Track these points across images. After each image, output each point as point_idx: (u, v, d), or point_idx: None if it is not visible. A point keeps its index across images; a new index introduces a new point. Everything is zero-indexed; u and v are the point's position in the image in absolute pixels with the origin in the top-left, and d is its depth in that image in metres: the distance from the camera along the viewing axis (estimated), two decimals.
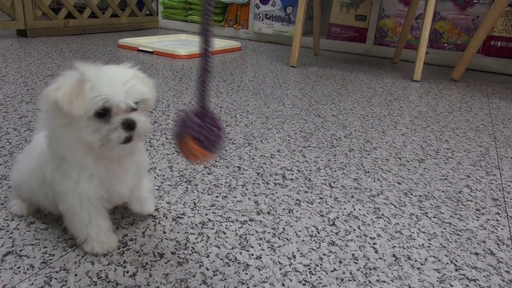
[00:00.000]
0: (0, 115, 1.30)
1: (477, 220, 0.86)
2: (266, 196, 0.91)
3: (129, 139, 0.61)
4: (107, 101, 0.57)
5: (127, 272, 0.66)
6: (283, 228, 0.79)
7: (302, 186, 0.96)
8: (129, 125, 0.59)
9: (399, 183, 1.00)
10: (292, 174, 1.02)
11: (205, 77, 0.56)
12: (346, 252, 0.74)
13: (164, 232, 0.76)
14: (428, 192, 0.97)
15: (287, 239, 0.76)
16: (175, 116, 0.56)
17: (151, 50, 2.43)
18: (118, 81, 0.59)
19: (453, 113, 1.59)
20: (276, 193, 0.92)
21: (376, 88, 1.90)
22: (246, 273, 0.67)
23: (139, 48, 2.47)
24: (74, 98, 0.56)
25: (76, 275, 0.65)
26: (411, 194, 0.96)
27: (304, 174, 1.02)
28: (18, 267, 0.66)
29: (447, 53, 2.61)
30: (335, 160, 1.11)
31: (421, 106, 1.66)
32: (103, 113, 0.58)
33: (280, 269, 0.68)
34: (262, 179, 0.98)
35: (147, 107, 0.65)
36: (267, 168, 1.04)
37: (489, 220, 0.86)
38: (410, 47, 2.64)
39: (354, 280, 0.67)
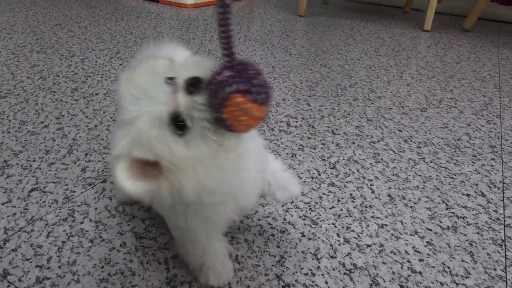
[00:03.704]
0: (13, 64, 1.33)
1: (472, 165, 0.90)
2: (271, 142, 0.95)
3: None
4: (162, 112, 0.40)
5: (142, 206, 0.72)
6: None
7: (305, 133, 1.00)
8: (192, 83, 0.41)
9: (400, 131, 1.04)
10: (297, 121, 1.06)
11: (225, 14, 0.40)
12: (345, 192, 0.79)
13: None
14: (428, 139, 1.00)
15: None
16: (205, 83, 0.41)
17: None
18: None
19: (460, 64, 1.58)
20: (281, 139, 0.97)
21: (384, 38, 1.88)
22: (251, 209, 0.73)
23: None
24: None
25: (96, 208, 0.71)
26: (411, 140, 0.99)
27: (308, 121, 1.06)
28: (44, 201, 0.72)
29: (461, 1, 2.52)
30: (339, 109, 1.14)
31: (429, 57, 1.65)
32: (174, 123, 0.41)
33: (282, 206, 0.74)
34: (267, 126, 1.02)
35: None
36: (272, 115, 1.08)
37: (484, 165, 0.90)
38: None
39: (350, 216, 0.72)
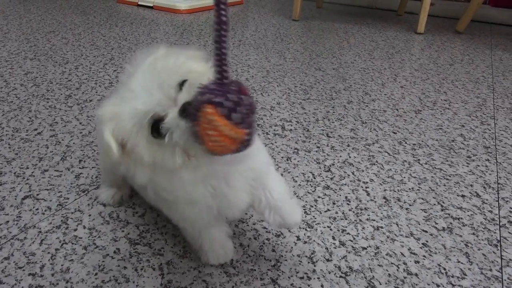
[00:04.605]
0: (6, 72, 1.33)
1: (467, 166, 0.90)
2: (265, 146, 0.95)
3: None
4: (147, 113, 0.43)
5: (137, 212, 0.72)
6: (281, 174, 0.84)
7: (300, 136, 1.00)
8: (185, 109, 0.41)
9: (394, 133, 1.04)
10: (291, 125, 1.06)
11: (222, 31, 0.39)
12: (340, 195, 0.79)
13: None
14: (422, 141, 1.00)
15: None
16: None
17: (151, 4, 2.39)
18: (149, 80, 0.44)
19: (454, 65, 1.59)
20: (275, 142, 0.97)
21: (378, 41, 1.89)
22: (246, 213, 0.72)
23: (139, 3, 2.43)
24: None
25: (90, 215, 0.71)
26: (406, 143, 0.99)
27: (302, 125, 1.06)
28: (37, 209, 0.72)
29: (454, 4, 2.54)
30: (334, 112, 1.14)
31: (423, 59, 1.66)
32: (156, 125, 0.43)
33: None
34: (262, 130, 1.02)
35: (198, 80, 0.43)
36: (267, 119, 1.08)
37: (478, 166, 0.91)
38: None
39: (346, 219, 0.72)
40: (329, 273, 0.61)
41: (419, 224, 0.72)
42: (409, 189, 0.81)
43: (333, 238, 0.68)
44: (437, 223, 0.72)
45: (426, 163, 0.91)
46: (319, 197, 0.78)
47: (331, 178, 0.84)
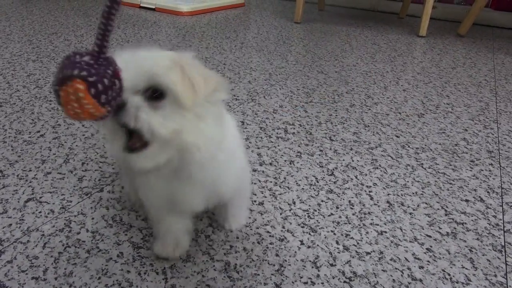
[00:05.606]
0: (9, 73, 1.33)
1: (471, 170, 0.90)
2: (268, 149, 0.95)
3: (133, 145, 0.44)
4: None
5: (140, 216, 0.72)
6: (284, 178, 0.84)
7: (303, 140, 1.00)
8: (120, 108, 0.42)
9: (397, 137, 1.04)
10: (294, 128, 1.05)
11: (112, 8, 0.41)
12: (343, 199, 0.78)
13: None
14: (425, 145, 1.00)
15: (288, 187, 0.81)
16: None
17: (153, 6, 2.39)
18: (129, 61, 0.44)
19: (456, 69, 1.59)
20: (278, 145, 0.96)
21: (380, 44, 1.89)
22: (249, 217, 0.72)
23: (141, 5, 2.44)
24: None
25: (93, 218, 0.71)
26: (409, 146, 0.99)
27: (305, 128, 1.06)
28: (40, 212, 0.72)
29: (456, 7, 2.54)
30: (336, 115, 1.14)
31: (425, 62, 1.66)
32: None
33: (280, 214, 0.73)
34: (265, 133, 1.02)
35: (181, 102, 0.44)
36: (269, 122, 1.08)
37: (482, 170, 0.90)
38: (417, 1, 2.57)
39: (350, 223, 0.72)
40: (333, 278, 0.60)
41: (423, 229, 0.71)
42: (413, 193, 0.81)
43: (337, 242, 0.67)
44: (441, 228, 0.72)
45: (429, 167, 0.90)
46: (322, 201, 0.77)
47: (334, 182, 0.83)
